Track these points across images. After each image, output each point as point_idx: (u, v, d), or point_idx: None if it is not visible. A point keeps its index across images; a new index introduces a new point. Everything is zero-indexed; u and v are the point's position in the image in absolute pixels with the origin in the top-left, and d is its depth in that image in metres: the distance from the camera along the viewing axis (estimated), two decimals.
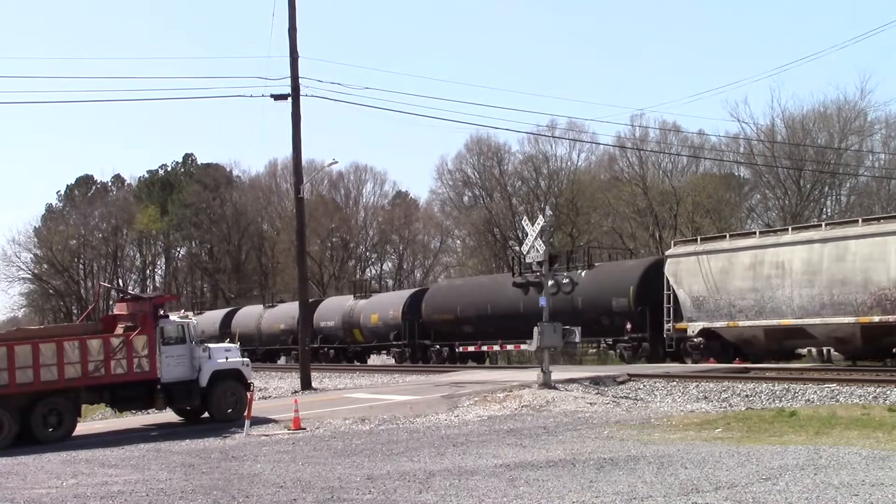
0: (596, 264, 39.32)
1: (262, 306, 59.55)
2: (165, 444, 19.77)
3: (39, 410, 21.99)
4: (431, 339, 44.62)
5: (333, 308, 52.13)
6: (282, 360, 56.34)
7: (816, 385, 22.29)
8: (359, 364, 49.31)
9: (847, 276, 28.31)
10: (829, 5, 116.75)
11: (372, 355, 51.19)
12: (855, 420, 16.94)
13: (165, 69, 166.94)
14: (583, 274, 37.37)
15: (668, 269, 33.42)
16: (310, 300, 57.11)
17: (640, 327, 34.41)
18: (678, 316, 32.83)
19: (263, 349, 56.59)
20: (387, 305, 48.17)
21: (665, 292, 33.20)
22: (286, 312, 55.00)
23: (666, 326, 33.00)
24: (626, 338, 34.89)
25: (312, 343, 50.15)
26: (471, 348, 41.95)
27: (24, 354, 21.76)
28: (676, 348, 32.92)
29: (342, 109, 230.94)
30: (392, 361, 47.90)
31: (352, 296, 52.77)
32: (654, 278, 34.35)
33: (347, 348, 50.71)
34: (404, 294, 49.61)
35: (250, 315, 59.54)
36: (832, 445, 14.40)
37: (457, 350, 42.81)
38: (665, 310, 33.08)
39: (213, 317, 64.24)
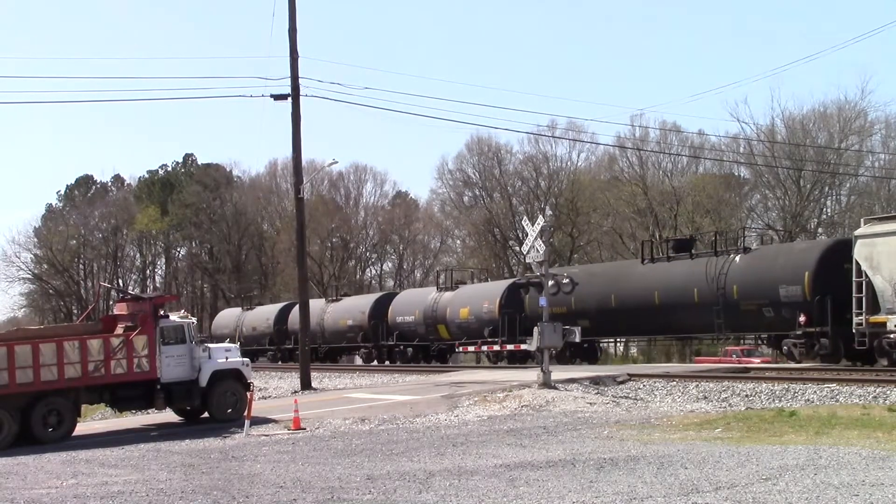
0: (753, 247, 34.49)
1: (324, 300, 55.48)
2: (165, 444, 19.77)
3: (39, 410, 22.01)
4: None
5: (412, 301, 47.51)
6: (357, 360, 52.28)
7: (816, 385, 22.27)
8: (438, 364, 44.71)
9: None
10: (829, 5, 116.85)
11: (457, 354, 46.08)
12: (855, 420, 16.93)
13: (165, 69, 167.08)
14: (737, 259, 32.62)
15: (860, 251, 27.83)
16: (385, 293, 55.26)
17: (817, 320, 29.23)
18: (872, 307, 27.38)
19: (327, 347, 52.77)
20: (479, 297, 42.77)
21: (854, 279, 27.78)
22: (354, 306, 51.57)
23: (856, 320, 27.55)
24: (798, 332, 29.81)
25: (387, 340, 47.45)
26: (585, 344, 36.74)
27: (24, 354, 21.79)
28: (869, 346, 27.54)
29: (342, 109, 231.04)
30: (483, 361, 43.32)
31: (434, 287, 48.27)
32: (835, 262, 29.41)
33: (430, 346, 45.67)
34: (501, 285, 43.85)
35: (311, 310, 56.57)
36: (832, 445, 14.39)
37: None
38: (854, 300, 27.64)
39: (266, 312, 60.08)
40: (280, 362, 55.43)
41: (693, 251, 35.42)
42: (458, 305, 43.55)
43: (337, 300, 54.64)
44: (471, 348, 41.93)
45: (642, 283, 35.15)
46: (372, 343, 48.92)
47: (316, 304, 55.29)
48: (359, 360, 51.55)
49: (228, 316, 65.61)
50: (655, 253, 36.82)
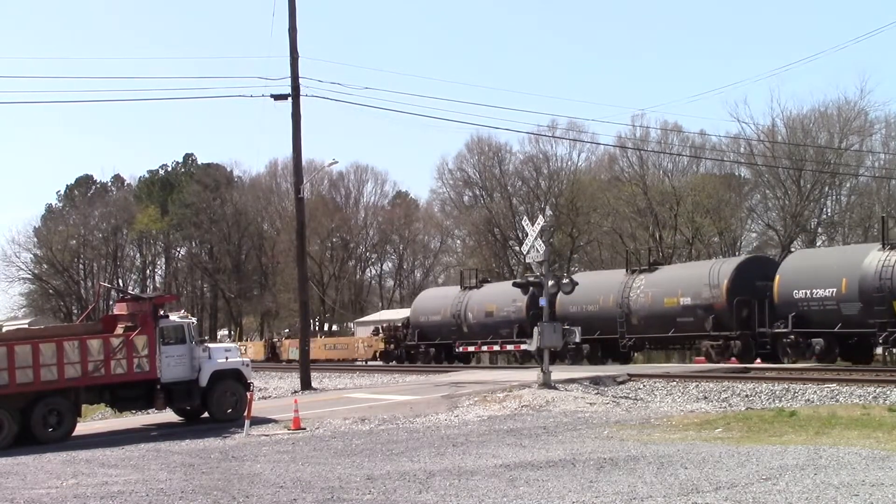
0: None
1: (623, 271, 39.64)
2: (165, 444, 19.77)
3: (39, 410, 22.01)
4: None
5: (837, 264, 30.96)
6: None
7: (816, 385, 22.29)
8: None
9: None
10: (829, 5, 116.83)
11: None
12: (855, 420, 16.94)
13: (165, 69, 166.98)
14: None
15: None
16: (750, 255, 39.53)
17: None
18: None
19: (634, 339, 37.15)
20: None
21: None
22: (695, 276, 35.29)
23: None
24: None
25: (778, 326, 31.54)
26: None
27: (24, 354, 21.78)
28: None
29: (342, 109, 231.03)
30: None
31: (877, 244, 30.49)
32: None
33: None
34: None
35: (602, 284, 39.11)
36: (832, 445, 14.39)
37: None
38: None
39: (511, 290, 37.31)
40: (532, 360, 38.60)
41: None
42: None
43: (650, 269, 38.38)
44: None
45: None
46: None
47: (609, 277, 39.74)
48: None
49: (438, 297, 49.52)
50: None
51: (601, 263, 62.39)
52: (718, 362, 32.07)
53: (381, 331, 52.77)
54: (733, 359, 32.21)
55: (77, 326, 26.28)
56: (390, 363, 49.39)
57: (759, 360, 31.48)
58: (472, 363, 46.81)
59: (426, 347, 47.40)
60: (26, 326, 41.73)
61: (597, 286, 38.85)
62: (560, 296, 38.04)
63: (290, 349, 58.99)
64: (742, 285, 33.20)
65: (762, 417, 18.20)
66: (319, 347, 57.09)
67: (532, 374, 26.08)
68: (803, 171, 55.95)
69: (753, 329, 32.48)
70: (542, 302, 26.51)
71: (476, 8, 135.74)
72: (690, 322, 34.59)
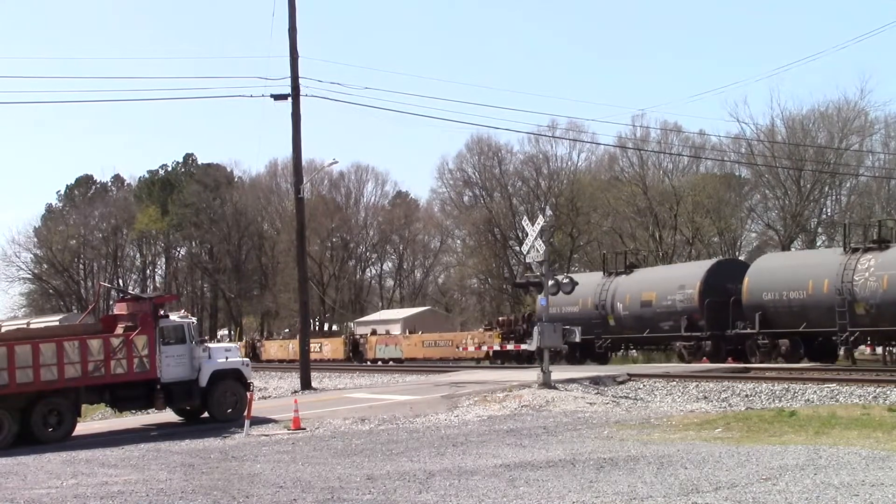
0: None
1: (839, 251, 32.05)
2: (165, 444, 19.76)
3: (39, 410, 22.01)
4: None
5: None
6: None
7: (816, 385, 22.30)
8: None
9: None
10: (829, 5, 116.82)
11: None
12: (855, 420, 16.94)
13: (165, 69, 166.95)
14: None
15: None
16: None
17: None
18: None
19: (860, 333, 30.15)
20: None
21: None
22: None
23: None
24: None
25: None
26: None
27: (24, 354, 21.78)
28: None
29: (342, 109, 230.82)
30: None
31: None
32: None
33: None
34: None
35: (811, 267, 32.22)
36: (832, 445, 14.39)
37: None
38: None
39: (674, 275, 36.72)
40: (700, 357, 34.30)
41: None
42: None
43: (881, 248, 30.42)
44: None
45: None
46: None
47: (823, 260, 32.29)
48: None
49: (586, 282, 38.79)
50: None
51: (601, 264, 62.36)
52: None
53: (496, 325, 44.73)
54: None
55: (77, 326, 26.27)
56: (507, 363, 41.24)
57: None
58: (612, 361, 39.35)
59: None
60: (56, 324, 41.50)
61: (803, 269, 32.18)
62: (748, 282, 32.83)
63: (378, 347, 51.58)
64: None
65: (762, 417, 18.19)
66: (416, 345, 50.07)
67: (532, 374, 26.07)
68: (803, 171, 55.96)
69: None
70: (542, 301, 26.53)
71: (476, 8, 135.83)
72: None
